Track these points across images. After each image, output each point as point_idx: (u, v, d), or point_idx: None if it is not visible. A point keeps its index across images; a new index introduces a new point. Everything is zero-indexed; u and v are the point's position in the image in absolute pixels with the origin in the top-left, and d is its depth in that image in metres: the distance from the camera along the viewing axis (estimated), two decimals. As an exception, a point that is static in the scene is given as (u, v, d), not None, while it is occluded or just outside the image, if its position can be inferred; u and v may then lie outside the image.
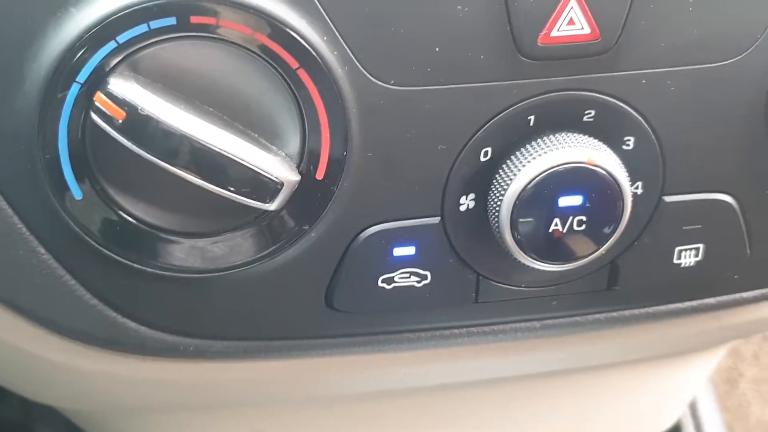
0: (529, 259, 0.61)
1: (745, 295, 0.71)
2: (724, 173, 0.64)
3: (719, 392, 1.55)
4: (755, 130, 0.63)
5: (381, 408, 0.82)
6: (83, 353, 0.66)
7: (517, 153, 0.61)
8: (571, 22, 0.57)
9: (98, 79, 0.54)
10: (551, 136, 0.60)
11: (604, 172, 0.60)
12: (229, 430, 0.82)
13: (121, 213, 0.58)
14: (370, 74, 0.57)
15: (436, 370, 0.75)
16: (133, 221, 0.59)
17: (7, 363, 0.71)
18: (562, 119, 0.61)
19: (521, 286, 0.66)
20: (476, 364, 0.74)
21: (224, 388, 0.72)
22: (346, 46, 0.56)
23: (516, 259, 0.62)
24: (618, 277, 0.66)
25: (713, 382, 1.46)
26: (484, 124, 0.60)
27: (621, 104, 0.61)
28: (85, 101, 0.55)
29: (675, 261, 0.66)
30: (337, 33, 0.56)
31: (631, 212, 0.62)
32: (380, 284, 0.64)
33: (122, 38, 0.54)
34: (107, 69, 0.54)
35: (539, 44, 0.58)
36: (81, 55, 0.54)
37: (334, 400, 0.79)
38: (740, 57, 0.61)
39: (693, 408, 1.32)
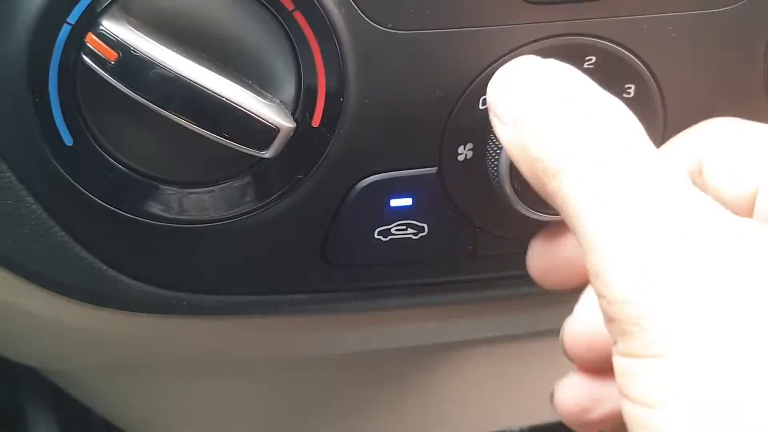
0: (529, 210, 0.60)
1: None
2: (724, 123, 0.63)
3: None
4: (756, 78, 0.62)
5: (373, 366, 0.81)
6: (72, 308, 0.64)
7: (517, 101, 0.59)
8: (572, -37, 0.56)
9: (90, 20, 0.53)
10: (552, 83, 0.59)
11: (604, 120, 0.59)
12: (224, 392, 0.81)
13: (112, 161, 0.57)
14: (367, 17, 0.56)
15: (433, 329, 0.74)
16: (125, 169, 0.57)
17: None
18: (562, 66, 0.60)
19: (520, 239, 0.65)
20: (473, 323, 0.73)
21: (216, 347, 0.71)
22: (343, -13, 0.55)
23: (516, 210, 0.61)
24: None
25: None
26: (484, 70, 0.59)
27: (622, 50, 0.60)
28: (76, 43, 0.53)
29: None
30: (334, -27, 0.55)
31: (632, 162, 0.61)
32: (376, 236, 0.62)
33: (114, -23, 0.52)
34: (99, 10, 0.53)
35: (540, -14, 0.57)
36: (71, -6, 0.52)
37: (327, 360, 0.78)
38: (744, 2, 0.60)
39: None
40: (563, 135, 0.47)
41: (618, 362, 0.44)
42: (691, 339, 0.42)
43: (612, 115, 0.48)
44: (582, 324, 0.57)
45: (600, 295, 0.45)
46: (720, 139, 0.55)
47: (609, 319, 0.44)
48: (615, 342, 0.45)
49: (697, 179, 0.55)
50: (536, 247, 0.61)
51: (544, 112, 0.48)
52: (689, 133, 0.57)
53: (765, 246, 0.43)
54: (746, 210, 0.52)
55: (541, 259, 0.61)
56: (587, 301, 0.58)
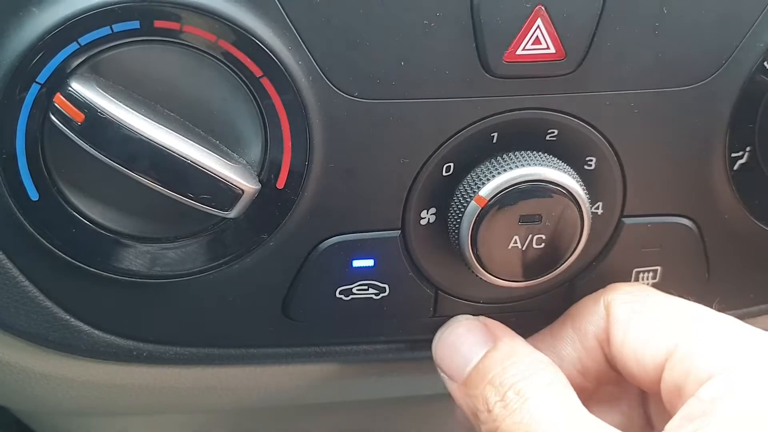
0: (487, 275, 0.61)
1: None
2: (684, 197, 0.65)
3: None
4: (716, 154, 0.63)
5: (336, 417, 0.82)
6: (35, 354, 0.65)
7: (479, 169, 0.60)
8: (537, 41, 0.57)
9: (59, 81, 0.54)
10: (513, 154, 0.60)
11: (564, 192, 0.60)
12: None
13: (77, 215, 0.58)
14: (334, 85, 0.57)
15: (393, 383, 0.75)
16: (90, 224, 0.58)
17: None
18: (525, 137, 0.61)
19: (479, 302, 0.66)
20: (433, 378, 0.74)
21: (178, 394, 0.71)
22: (311, 57, 0.56)
23: (475, 274, 0.62)
24: (575, 296, 0.66)
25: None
26: (448, 140, 0.60)
27: (584, 125, 0.61)
28: (44, 102, 0.54)
29: (633, 282, 0.66)
30: (302, 43, 0.56)
31: (591, 232, 0.62)
32: (338, 295, 0.63)
33: (84, 40, 0.53)
34: (68, 70, 0.54)
35: (505, 62, 0.58)
36: (42, 55, 0.53)
37: (288, 409, 0.79)
38: (704, 82, 0.61)
39: None
40: (498, 405, 0.57)
41: None
42: None
43: (538, 383, 0.57)
44: None
45: None
46: (626, 318, 0.61)
47: None
48: None
49: (605, 348, 0.62)
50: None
51: (483, 383, 0.59)
52: (593, 307, 0.63)
53: None
54: (655, 381, 0.59)
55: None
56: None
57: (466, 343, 0.62)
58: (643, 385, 0.60)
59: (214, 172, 0.56)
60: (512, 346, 0.61)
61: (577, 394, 0.58)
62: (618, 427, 0.55)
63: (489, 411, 0.58)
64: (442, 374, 0.63)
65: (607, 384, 0.61)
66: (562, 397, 0.57)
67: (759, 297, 0.71)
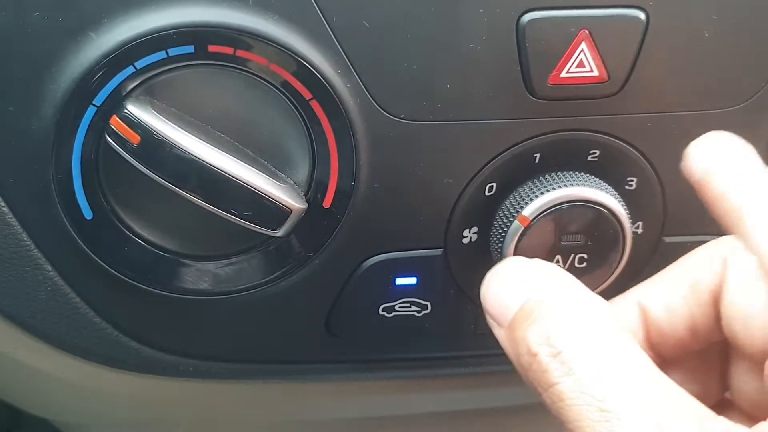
0: (529, 293, 0.62)
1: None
2: (723, 216, 0.65)
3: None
4: (755, 175, 0.64)
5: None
6: (81, 368, 0.66)
7: (521, 189, 0.61)
8: (581, 64, 0.58)
9: (115, 103, 0.55)
10: (555, 174, 0.61)
11: (605, 211, 0.61)
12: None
13: (129, 234, 0.59)
14: (381, 107, 0.58)
15: (432, 399, 0.75)
16: (142, 242, 0.59)
17: (5, 374, 0.71)
18: (567, 158, 0.62)
19: (520, 320, 0.67)
20: (472, 394, 0.75)
21: (221, 407, 0.73)
22: (359, 79, 0.57)
23: (516, 292, 0.63)
24: (615, 313, 0.67)
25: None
26: (491, 160, 0.61)
27: (625, 146, 0.62)
28: (100, 124, 0.55)
29: None
30: (350, 66, 0.57)
31: (632, 251, 0.63)
32: (381, 312, 0.64)
33: (140, 64, 0.54)
34: (124, 93, 0.55)
35: (549, 85, 0.59)
36: (99, 78, 0.54)
37: (329, 424, 0.80)
38: (744, 104, 0.62)
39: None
40: (555, 354, 0.49)
41: None
42: None
43: (598, 328, 0.49)
44: None
45: None
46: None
47: None
48: None
49: (719, 303, 0.54)
50: None
51: (535, 328, 0.50)
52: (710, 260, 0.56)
53: None
54: (760, 350, 0.52)
55: None
56: None
57: (514, 281, 0.54)
58: (744, 351, 0.53)
59: (262, 191, 0.57)
60: (568, 283, 0.53)
61: (678, 355, 0.53)
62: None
63: (533, 354, 0.49)
64: (489, 320, 0.54)
65: (715, 346, 0.54)
66: (628, 347, 0.49)
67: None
